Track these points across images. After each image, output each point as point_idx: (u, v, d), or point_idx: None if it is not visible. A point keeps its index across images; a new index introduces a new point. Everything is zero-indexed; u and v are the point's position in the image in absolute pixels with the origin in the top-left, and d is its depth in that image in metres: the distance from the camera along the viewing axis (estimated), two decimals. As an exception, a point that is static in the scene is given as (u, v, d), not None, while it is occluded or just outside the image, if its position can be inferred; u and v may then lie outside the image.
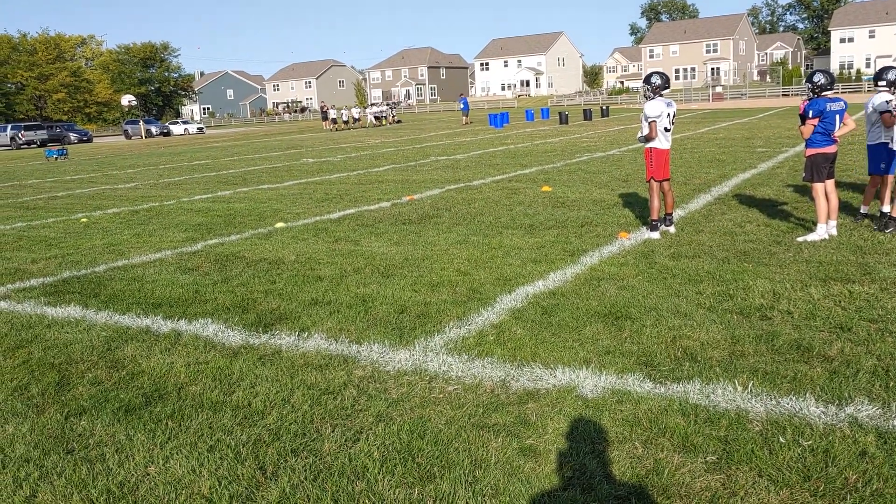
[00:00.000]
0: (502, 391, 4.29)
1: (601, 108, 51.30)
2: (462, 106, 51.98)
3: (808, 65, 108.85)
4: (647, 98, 8.51)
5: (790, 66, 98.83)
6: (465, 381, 4.48)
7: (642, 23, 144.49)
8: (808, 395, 3.98)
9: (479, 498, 3.17)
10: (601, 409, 3.97)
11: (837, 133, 7.87)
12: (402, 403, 4.20)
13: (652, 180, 8.60)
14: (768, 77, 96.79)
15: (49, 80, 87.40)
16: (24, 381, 4.85)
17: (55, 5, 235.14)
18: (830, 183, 7.96)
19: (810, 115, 7.70)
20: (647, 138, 8.48)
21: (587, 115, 45.51)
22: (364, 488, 3.30)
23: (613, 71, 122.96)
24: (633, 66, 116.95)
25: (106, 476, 3.52)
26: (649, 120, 8.35)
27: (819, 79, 7.82)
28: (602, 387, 4.24)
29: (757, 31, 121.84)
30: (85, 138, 64.09)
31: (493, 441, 3.67)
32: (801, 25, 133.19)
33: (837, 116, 7.79)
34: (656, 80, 8.42)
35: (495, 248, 8.23)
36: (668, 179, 8.71)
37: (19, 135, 58.53)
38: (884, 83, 8.38)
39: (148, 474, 3.52)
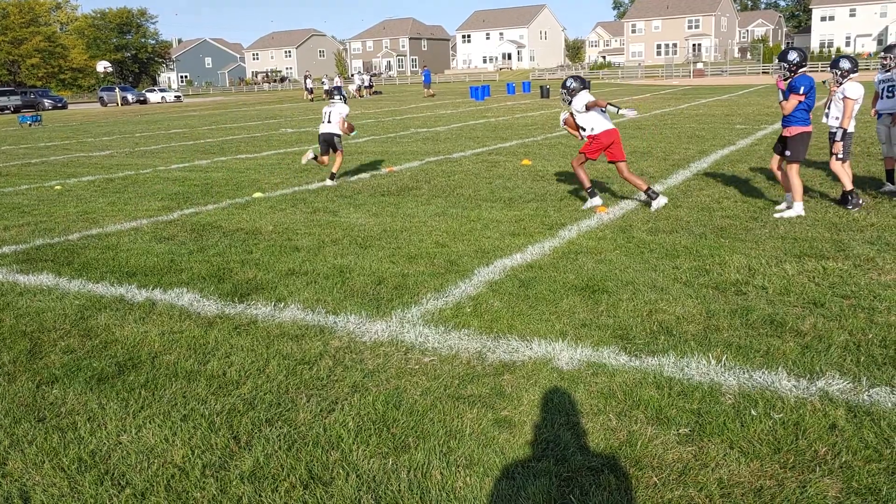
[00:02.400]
0: (478, 363, 4.30)
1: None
2: (424, 78, 52.08)
3: (788, 42, 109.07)
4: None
5: (771, 44, 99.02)
6: (441, 352, 4.47)
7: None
8: (780, 369, 4.02)
9: (454, 468, 3.17)
10: (576, 381, 3.99)
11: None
12: (378, 374, 4.20)
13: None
14: (749, 54, 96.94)
15: (22, 45, 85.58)
16: (-5, 349, 4.79)
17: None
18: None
19: (801, 91, 7.69)
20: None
21: (568, 89, 45.26)
22: (338, 458, 3.29)
23: (595, 45, 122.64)
24: (616, 40, 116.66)
25: (77, 444, 3.49)
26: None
27: (794, 57, 7.83)
28: (578, 359, 4.25)
29: (739, 7, 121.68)
30: (59, 105, 62.97)
31: (468, 412, 3.67)
32: (782, 3, 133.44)
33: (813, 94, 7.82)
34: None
35: (474, 220, 8.21)
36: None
37: (-9, 100, 57.39)
38: (837, 71, 8.42)
39: (120, 443, 3.50)
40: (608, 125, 8.51)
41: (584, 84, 8.70)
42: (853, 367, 4.03)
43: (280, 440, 3.46)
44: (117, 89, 65.80)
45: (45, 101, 61.46)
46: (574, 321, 4.90)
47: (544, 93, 40.47)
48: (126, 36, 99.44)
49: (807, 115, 7.81)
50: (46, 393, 4.10)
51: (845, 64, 8.30)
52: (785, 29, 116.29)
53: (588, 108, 8.41)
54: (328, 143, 11.46)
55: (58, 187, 12.44)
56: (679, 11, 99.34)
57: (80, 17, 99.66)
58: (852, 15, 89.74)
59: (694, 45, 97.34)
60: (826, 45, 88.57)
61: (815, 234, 7.05)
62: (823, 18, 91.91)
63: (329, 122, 11.48)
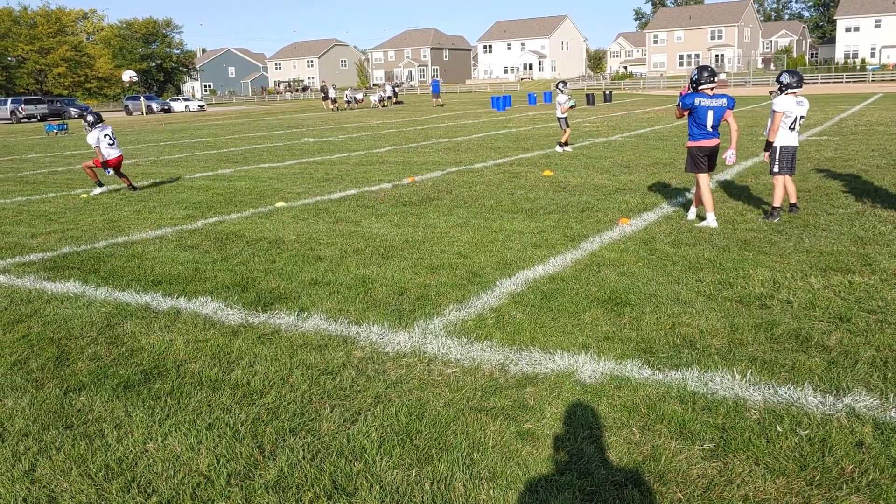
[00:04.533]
0: (501, 375, 4.30)
1: (604, 93, 51.13)
2: (433, 88, 52.85)
3: (812, 53, 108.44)
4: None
5: (795, 55, 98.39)
6: (463, 363, 4.48)
7: (647, 8, 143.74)
8: (805, 384, 3.99)
9: (477, 481, 3.18)
10: (599, 394, 3.98)
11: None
12: (401, 385, 4.21)
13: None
14: (773, 65, 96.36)
15: (50, 54, 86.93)
16: (24, 356, 4.86)
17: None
18: (704, 177, 8.20)
19: (680, 106, 8.08)
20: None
21: (590, 99, 45.33)
22: (362, 469, 3.31)
23: (617, 56, 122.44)
24: (637, 51, 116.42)
25: (105, 452, 3.53)
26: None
27: (695, 74, 8.07)
28: (601, 372, 4.24)
29: (762, 18, 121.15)
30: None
31: (490, 424, 3.68)
32: (806, 13, 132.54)
33: (711, 112, 7.95)
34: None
35: (496, 231, 8.22)
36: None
37: (19, 108, 58.37)
38: (776, 84, 8.50)
39: (146, 451, 3.53)
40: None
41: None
42: (880, 384, 3.99)
43: (304, 450, 3.48)
44: (142, 98, 66.59)
45: (72, 109, 62.28)
46: (597, 334, 4.89)
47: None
48: (151, 46, 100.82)
49: (699, 129, 8.05)
50: (74, 400, 4.15)
51: (784, 78, 8.36)
52: (809, 40, 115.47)
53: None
54: None
55: (84, 196, 12.60)
56: (702, 22, 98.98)
57: (106, 27, 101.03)
58: (877, 26, 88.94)
59: (717, 55, 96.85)
60: (851, 55, 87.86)
61: (840, 247, 6.99)
62: (848, 29, 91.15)
63: None
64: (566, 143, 17.20)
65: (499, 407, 3.88)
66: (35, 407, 4.07)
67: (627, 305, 5.43)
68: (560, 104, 17.29)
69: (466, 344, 4.78)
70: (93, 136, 12.81)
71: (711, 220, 8.10)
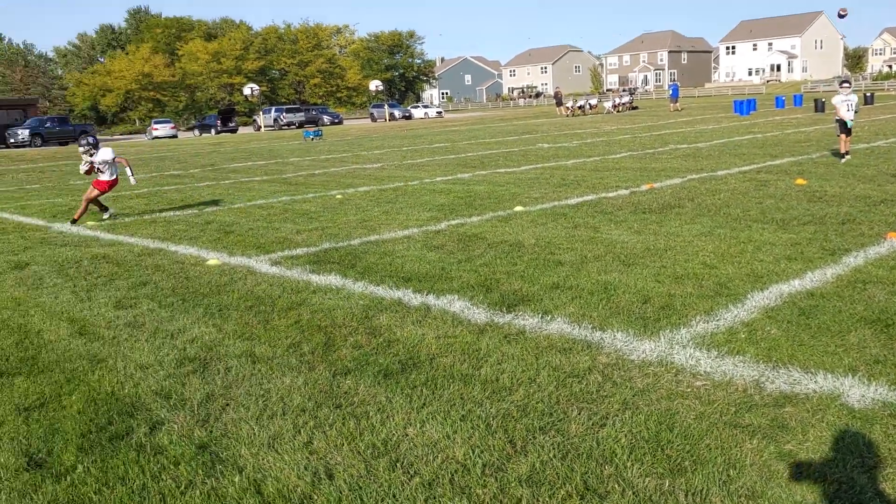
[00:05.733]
0: (756, 391, 4.11)
1: (864, 94, 46.66)
2: (672, 93, 50.60)
3: None
4: None
5: None
6: (714, 377, 4.34)
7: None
8: None
9: (735, 498, 3.07)
10: (871, 421, 3.67)
11: None
12: (648, 394, 4.16)
13: None
14: None
15: (308, 67, 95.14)
16: (297, 340, 5.39)
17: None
18: None
19: None
20: None
21: (847, 102, 41.56)
22: (612, 473, 3.32)
23: (881, 53, 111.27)
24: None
25: (371, 432, 3.83)
26: None
27: None
28: (871, 398, 3.92)
29: None
30: (336, 120, 69.11)
31: (747, 441, 3.53)
32: None
33: None
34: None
35: (744, 242, 7.83)
36: None
37: (281, 117, 64.59)
38: None
39: (407, 435, 3.79)
40: None
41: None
42: None
43: (554, 449, 3.56)
44: (386, 106, 70.83)
45: (325, 117, 67.79)
46: (865, 356, 4.51)
47: (818, 106, 37.46)
48: (395, 56, 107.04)
49: None
50: (341, 383, 4.54)
51: None
52: None
53: None
54: None
55: (339, 196, 13.68)
56: None
57: (356, 40, 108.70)
58: None
59: None
60: None
61: None
62: None
63: None
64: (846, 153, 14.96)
65: (755, 424, 3.71)
66: (309, 386, 4.50)
67: (901, 327, 4.95)
68: (851, 103, 14.88)
69: (717, 357, 4.62)
70: (108, 152, 12.04)
71: None
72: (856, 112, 15.06)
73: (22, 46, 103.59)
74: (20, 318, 6.39)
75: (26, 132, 49.91)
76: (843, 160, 14.80)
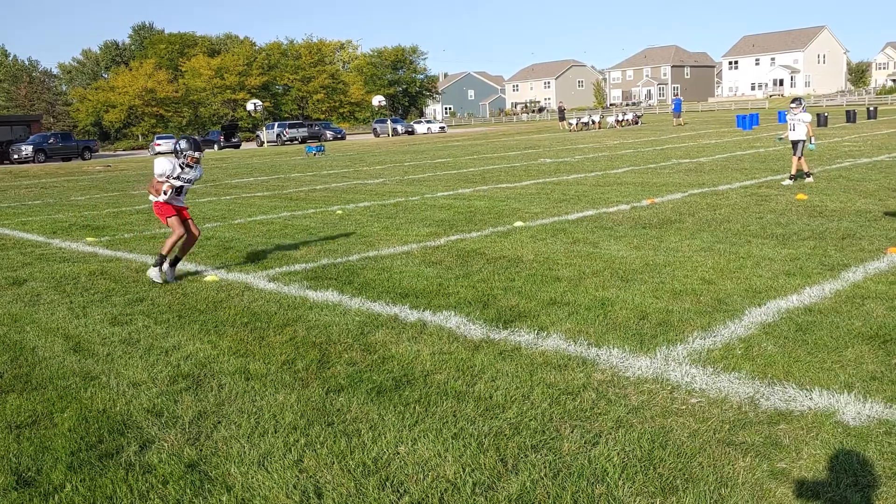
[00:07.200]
0: (750, 408, 4.07)
1: (867, 108, 46.68)
2: (674, 107, 51.29)
3: None
4: None
5: None
6: (709, 394, 4.30)
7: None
8: None
9: (726, 518, 3.03)
10: (866, 439, 3.64)
11: None
12: (643, 411, 4.12)
13: None
14: None
15: (311, 83, 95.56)
16: (291, 356, 5.36)
17: (319, 13, 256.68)
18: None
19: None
20: None
21: (850, 116, 41.64)
22: (604, 492, 3.28)
23: (884, 68, 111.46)
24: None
25: (362, 450, 3.80)
26: None
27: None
28: (867, 415, 3.88)
29: None
30: (339, 136, 69.34)
31: (740, 459, 3.49)
32: None
33: None
34: None
35: (743, 257, 7.80)
36: None
37: (284, 132, 64.82)
38: None
39: (398, 453, 3.76)
40: None
41: None
42: None
43: (545, 467, 3.52)
44: (389, 121, 71.04)
45: (327, 132, 68.02)
46: (861, 373, 4.47)
47: (821, 121, 37.47)
48: (398, 72, 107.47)
49: None
50: (334, 400, 4.51)
51: None
52: None
53: None
54: None
55: (339, 212, 13.69)
56: None
57: (359, 55, 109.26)
58: None
59: None
60: None
61: None
62: None
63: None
64: (808, 174, 14.52)
65: (748, 442, 3.67)
66: (302, 403, 4.48)
67: (898, 344, 4.91)
68: (807, 122, 14.82)
69: (713, 374, 4.58)
70: (166, 164, 8.10)
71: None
72: (811, 137, 14.77)
73: (27, 63, 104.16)
74: (16, 334, 6.38)
75: (30, 148, 50.07)
76: (788, 183, 14.24)
